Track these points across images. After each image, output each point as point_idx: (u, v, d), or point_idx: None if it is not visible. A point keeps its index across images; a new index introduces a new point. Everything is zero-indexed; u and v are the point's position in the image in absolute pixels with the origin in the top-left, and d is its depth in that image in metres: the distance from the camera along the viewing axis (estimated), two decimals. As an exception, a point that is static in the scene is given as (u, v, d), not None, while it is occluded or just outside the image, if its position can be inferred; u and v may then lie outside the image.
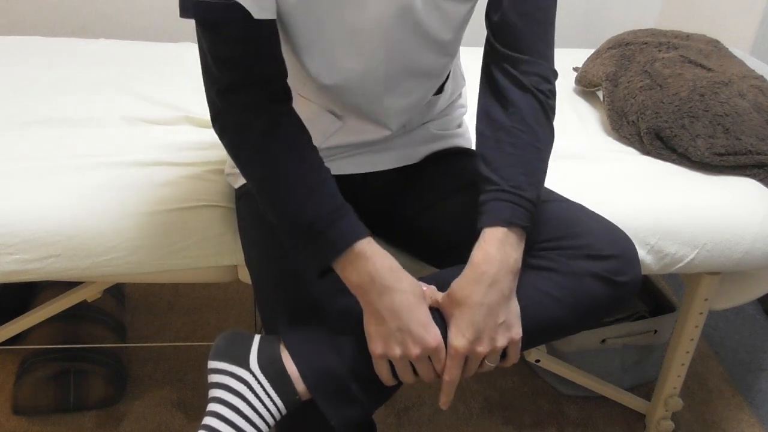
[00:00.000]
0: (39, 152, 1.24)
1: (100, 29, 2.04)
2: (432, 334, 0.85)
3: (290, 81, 0.93)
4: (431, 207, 1.07)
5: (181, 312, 1.78)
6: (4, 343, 1.31)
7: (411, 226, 1.10)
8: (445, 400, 0.88)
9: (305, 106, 1.02)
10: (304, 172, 0.88)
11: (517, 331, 0.87)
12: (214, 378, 0.89)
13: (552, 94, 0.95)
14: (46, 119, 1.35)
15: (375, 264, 0.85)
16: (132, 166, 1.22)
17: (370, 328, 0.86)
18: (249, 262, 1.03)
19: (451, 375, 0.86)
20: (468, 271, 0.87)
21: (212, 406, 0.87)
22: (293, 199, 0.87)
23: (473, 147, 1.18)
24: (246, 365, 0.88)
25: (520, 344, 0.88)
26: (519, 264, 0.88)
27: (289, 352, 0.88)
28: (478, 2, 0.98)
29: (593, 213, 0.97)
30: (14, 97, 1.43)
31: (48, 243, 1.08)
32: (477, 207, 0.90)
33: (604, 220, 0.96)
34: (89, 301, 1.32)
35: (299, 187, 0.87)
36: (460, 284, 0.87)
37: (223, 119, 0.91)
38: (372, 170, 1.08)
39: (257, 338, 0.91)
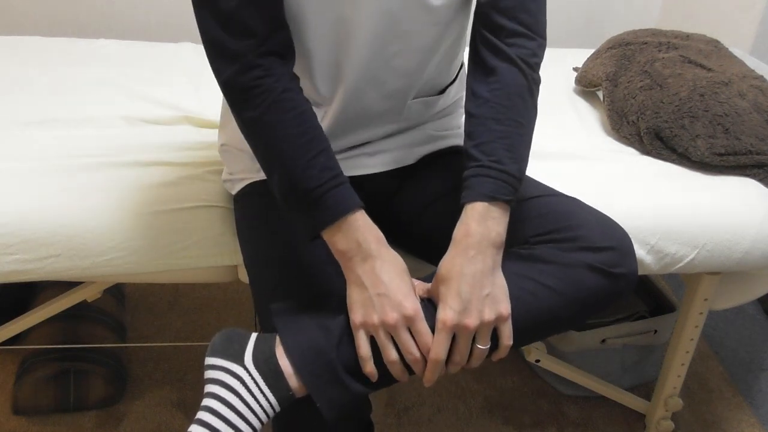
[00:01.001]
0: (39, 152, 1.24)
1: (100, 29, 2.04)
2: (410, 301, 0.85)
3: None
4: (428, 206, 1.07)
5: (181, 312, 1.78)
6: (4, 343, 1.31)
7: (408, 226, 1.10)
8: (429, 377, 0.88)
9: None
10: (305, 140, 0.88)
11: (505, 306, 0.87)
12: (209, 374, 0.90)
13: (538, 66, 0.94)
14: (46, 119, 1.35)
15: (364, 232, 0.86)
16: (132, 166, 1.22)
17: (352, 297, 0.87)
18: (246, 262, 1.03)
19: (438, 351, 0.86)
20: (451, 248, 0.88)
21: (206, 401, 0.88)
22: (292, 165, 0.87)
23: None
24: (240, 361, 0.89)
25: (510, 322, 0.88)
26: (502, 238, 0.88)
27: (284, 348, 0.89)
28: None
29: (588, 206, 0.97)
30: (14, 97, 1.43)
31: (48, 243, 1.08)
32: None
33: (599, 213, 0.96)
34: (89, 301, 1.32)
35: (299, 153, 0.87)
36: (444, 261, 0.88)
37: (225, 76, 0.89)
38: (366, 173, 1.07)
39: (254, 336, 0.92)
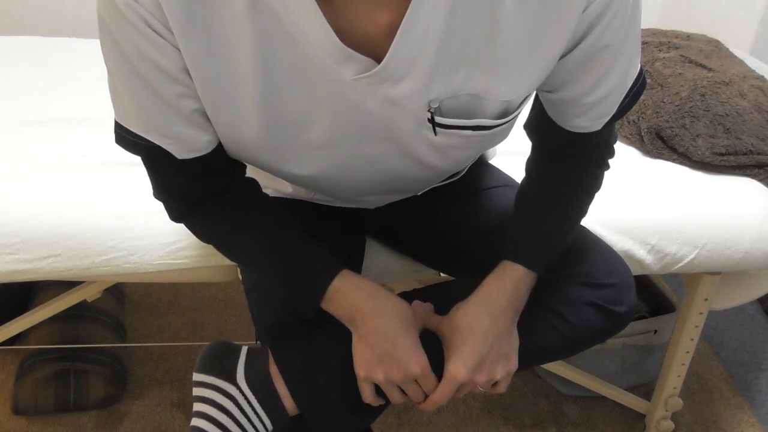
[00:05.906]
0: (39, 152, 1.24)
1: (100, 29, 2.04)
2: (416, 360, 0.82)
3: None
4: (434, 213, 1.06)
5: (181, 312, 1.78)
6: (4, 343, 1.31)
7: (414, 233, 1.08)
8: (425, 409, 0.87)
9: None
10: (259, 238, 0.86)
11: (514, 362, 0.87)
12: (198, 392, 0.87)
13: (606, 166, 0.94)
14: (46, 119, 1.35)
15: (353, 295, 0.84)
16: (132, 166, 1.22)
17: (357, 350, 0.84)
18: (242, 271, 1.02)
19: (441, 399, 0.84)
20: (476, 298, 0.85)
21: (196, 422, 0.85)
22: (261, 264, 0.87)
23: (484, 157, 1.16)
24: (233, 380, 0.86)
25: (512, 374, 0.88)
26: (523, 305, 0.87)
27: (279, 368, 0.87)
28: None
29: (592, 236, 0.96)
30: (14, 97, 1.43)
31: (48, 243, 1.08)
32: (502, 232, 0.90)
33: (603, 244, 0.95)
34: (89, 301, 1.32)
35: (260, 251, 0.86)
36: (465, 311, 0.85)
37: (163, 203, 0.89)
38: (370, 207, 1.05)
39: (244, 350, 0.90)
